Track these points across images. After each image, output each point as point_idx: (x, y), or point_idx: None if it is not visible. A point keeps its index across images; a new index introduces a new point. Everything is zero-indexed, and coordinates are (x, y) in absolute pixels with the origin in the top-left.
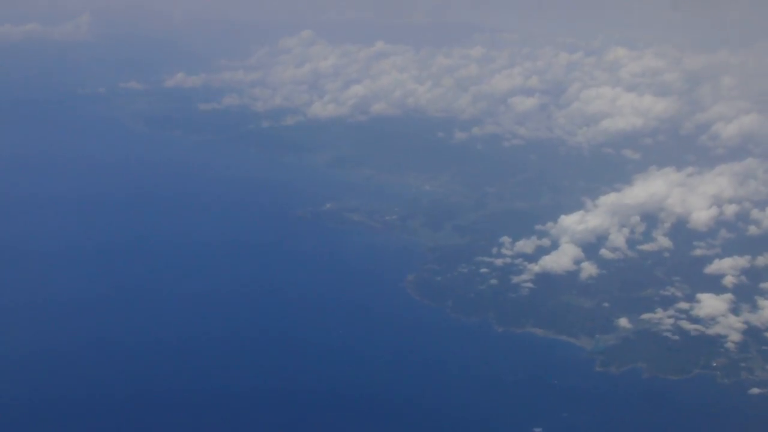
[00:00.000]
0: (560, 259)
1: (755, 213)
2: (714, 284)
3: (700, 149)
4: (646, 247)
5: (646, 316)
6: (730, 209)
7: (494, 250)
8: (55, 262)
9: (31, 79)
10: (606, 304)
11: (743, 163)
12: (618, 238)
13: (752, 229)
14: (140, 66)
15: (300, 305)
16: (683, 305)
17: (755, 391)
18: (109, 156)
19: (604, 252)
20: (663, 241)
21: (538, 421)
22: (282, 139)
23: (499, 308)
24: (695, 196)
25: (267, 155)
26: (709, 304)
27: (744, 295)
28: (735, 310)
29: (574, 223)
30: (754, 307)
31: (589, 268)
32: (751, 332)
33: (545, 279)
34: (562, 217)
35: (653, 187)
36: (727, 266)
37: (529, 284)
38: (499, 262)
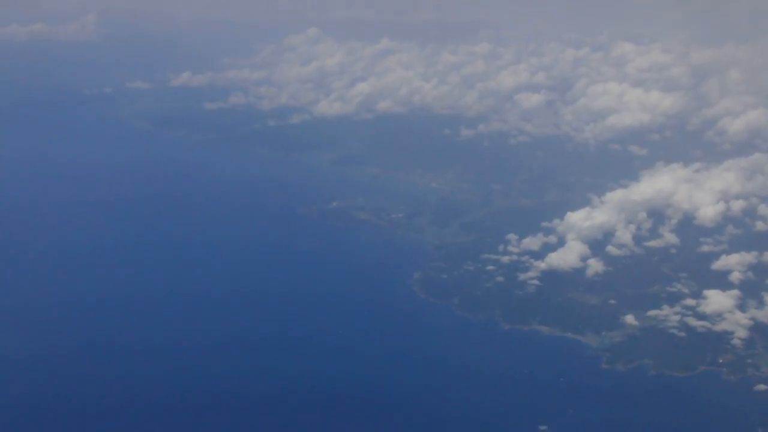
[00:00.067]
0: (567, 256)
1: (762, 209)
2: (721, 280)
3: (707, 145)
4: (652, 243)
5: (652, 312)
6: (737, 205)
7: (500, 248)
8: (62, 265)
9: (37, 79)
10: (612, 301)
11: (750, 158)
12: (624, 235)
13: (759, 225)
14: (146, 65)
15: (306, 304)
16: (690, 302)
17: (762, 387)
18: (116, 156)
19: (610, 249)
20: (670, 238)
21: (544, 418)
22: (288, 138)
23: (506, 306)
24: (702, 191)
25: (273, 154)
26: (716, 300)
27: (751, 292)
28: (742, 307)
29: (580, 219)
30: (761, 304)
31: (595, 265)
32: (758, 329)
33: (552, 276)
34: (569, 213)
35: (660, 183)
36: (734, 262)
37: (536, 281)
38: (505, 259)
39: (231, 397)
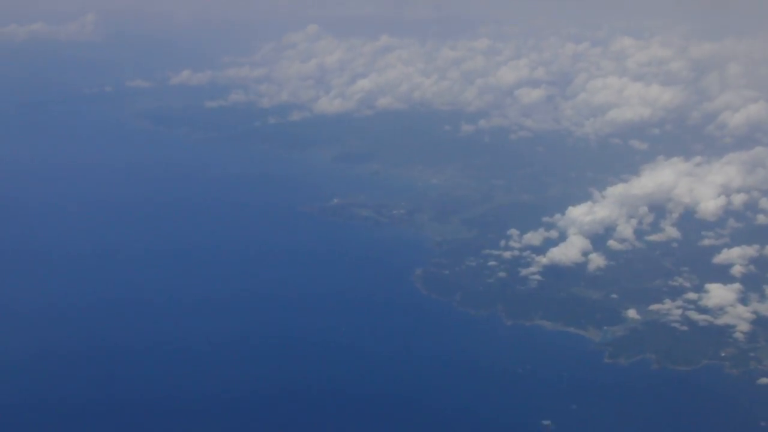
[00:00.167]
0: (568, 251)
1: (764, 202)
2: (722, 274)
3: (708, 139)
4: (654, 237)
5: (654, 306)
6: (739, 198)
7: (502, 243)
8: (63, 265)
9: (36, 79)
10: (614, 296)
11: (751, 152)
12: (626, 229)
13: (761, 219)
14: (146, 64)
15: (308, 301)
16: (691, 296)
17: (764, 381)
18: (116, 155)
19: (612, 243)
20: (671, 232)
21: (547, 413)
22: (288, 135)
23: (508, 301)
24: (703, 185)
25: (274, 151)
26: (718, 294)
27: (752, 285)
28: (743, 300)
29: (581, 214)
30: (763, 297)
31: (597, 260)
32: (760, 322)
33: (553, 271)
34: (570, 208)
35: (661, 178)
36: (736, 256)
37: (538, 276)
38: (507, 254)
39: (235, 396)
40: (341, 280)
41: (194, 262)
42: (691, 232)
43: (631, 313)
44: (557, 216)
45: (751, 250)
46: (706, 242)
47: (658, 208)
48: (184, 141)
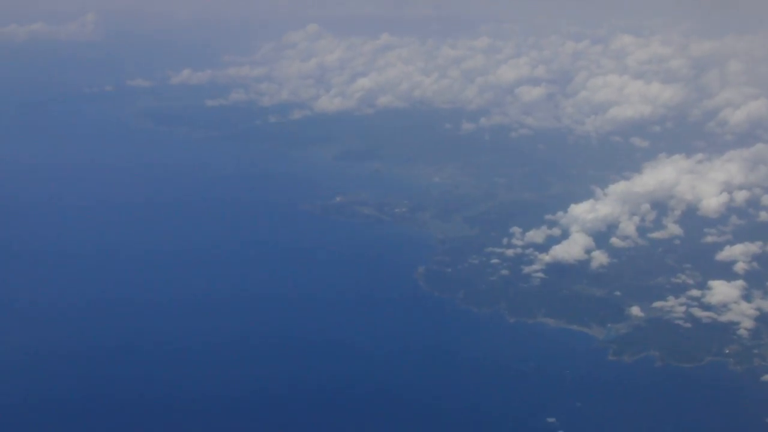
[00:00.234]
0: (571, 249)
1: (766, 199)
2: (725, 271)
3: (709, 136)
4: (656, 234)
5: (657, 304)
6: (741, 195)
7: (504, 241)
8: (65, 266)
9: (37, 79)
10: (617, 293)
11: (752, 149)
12: (628, 227)
13: (763, 215)
14: (146, 63)
15: (311, 300)
16: (695, 292)
17: None
18: (117, 154)
19: (614, 240)
20: (673, 229)
21: (552, 410)
22: (289, 134)
23: (511, 299)
24: (705, 182)
25: (274, 150)
26: (721, 291)
27: (756, 282)
28: (747, 297)
29: (584, 212)
30: (766, 294)
31: (599, 257)
32: (764, 319)
33: (556, 268)
34: (572, 206)
35: (663, 175)
36: (739, 253)
37: (540, 274)
38: (509, 252)
39: (237, 395)
40: (344, 279)
41: (196, 261)
42: (693, 229)
43: (635, 310)
44: (559, 213)
45: (753, 247)
46: (709, 239)
47: (661, 206)
48: (185, 140)
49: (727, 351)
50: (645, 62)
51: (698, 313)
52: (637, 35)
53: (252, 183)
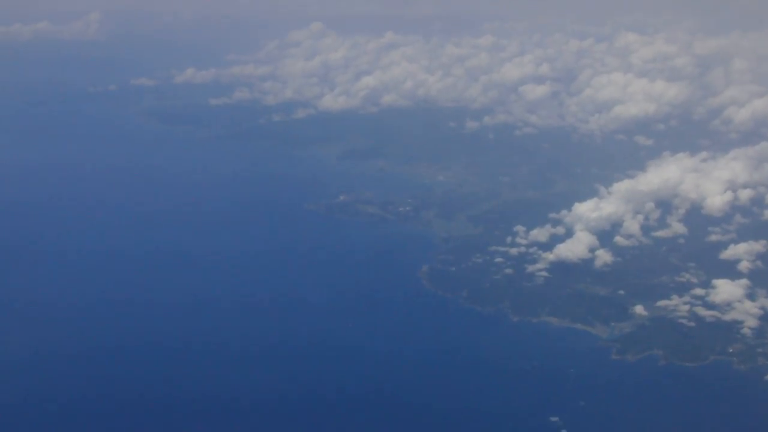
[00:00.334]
0: (575, 247)
1: None
2: (729, 270)
3: (714, 134)
4: (660, 233)
5: (661, 303)
6: (745, 194)
7: (508, 240)
8: (68, 266)
9: (41, 78)
10: (621, 292)
11: (757, 147)
12: (632, 225)
13: (767, 214)
14: (150, 63)
15: (314, 298)
16: (699, 291)
17: None
18: (121, 154)
19: (618, 239)
20: (678, 227)
21: (555, 409)
22: (293, 133)
23: (515, 297)
24: (709, 181)
25: (278, 148)
26: (725, 289)
27: (760, 280)
28: (751, 296)
29: (588, 210)
30: None
31: (603, 256)
32: None
33: (560, 267)
34: (576, 204)
35: (667, 173)
36: (743, 251)
37: (544, 273)
38: (513, 251)
39: (239, 396)
40: (347, 277)
41: (199, 260)
42: (697, 227)
43: (639, 309)
44: (563, 212)
45: (758, 246)
46: (713, 238)
47: (665, 204)
48: (189, 139)
49: (731, 350)
50: (649, 60)
51: (702, 312)
52: (642, 33)
53: (255, 182)
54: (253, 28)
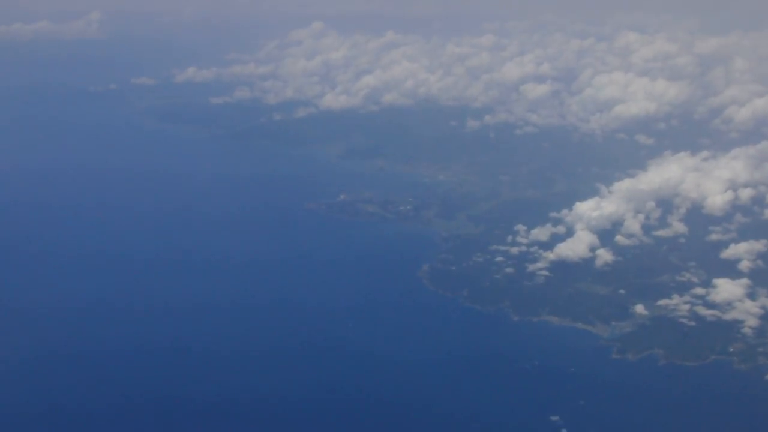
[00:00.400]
0: (575, 247)
1: None
2: (730, 269)
3: (714, 133)
4: (661, 232)
5: (662, 302)
6: (746, 193)
7: (509, 239)
8: (70, 266)
9: (42, 77)
10: (622, 291)
11: (758, 146)
12: (633, 224)
13: None
14: (151, 62)
15: (315, 298)
16: (699, 291)
17: None
18: (122, 152)
19: (619, 238)
20: (678, 227)
21: (556, 409)
22: (294, 132)
23: (515, 297)
24: (710, 180)
25: (279, 148)
26: (726, 289)
27: (760, 280)
28: (751, 295)
29: (588, 209)
30: None
31: (604, 255)
32: None
33: (561, 267)
34: (577, 204)
35: (668, 173)
36: (743, 251)
37: (545, 272)
38: (514, 250)
39: (239, 396)
40: (347, 277)
41: (200, 259)
42: (698, 227)
43: (639, 308)
44: (564, 211)
45: (758, 245)
46: (714, 237)
47: (665, 203)
48: (189, 138)
49: (731, 349)
50: (650, 59)
51: (703, 311)
52: (642, 32)
53: (256, 181)
54: (254, 27)
